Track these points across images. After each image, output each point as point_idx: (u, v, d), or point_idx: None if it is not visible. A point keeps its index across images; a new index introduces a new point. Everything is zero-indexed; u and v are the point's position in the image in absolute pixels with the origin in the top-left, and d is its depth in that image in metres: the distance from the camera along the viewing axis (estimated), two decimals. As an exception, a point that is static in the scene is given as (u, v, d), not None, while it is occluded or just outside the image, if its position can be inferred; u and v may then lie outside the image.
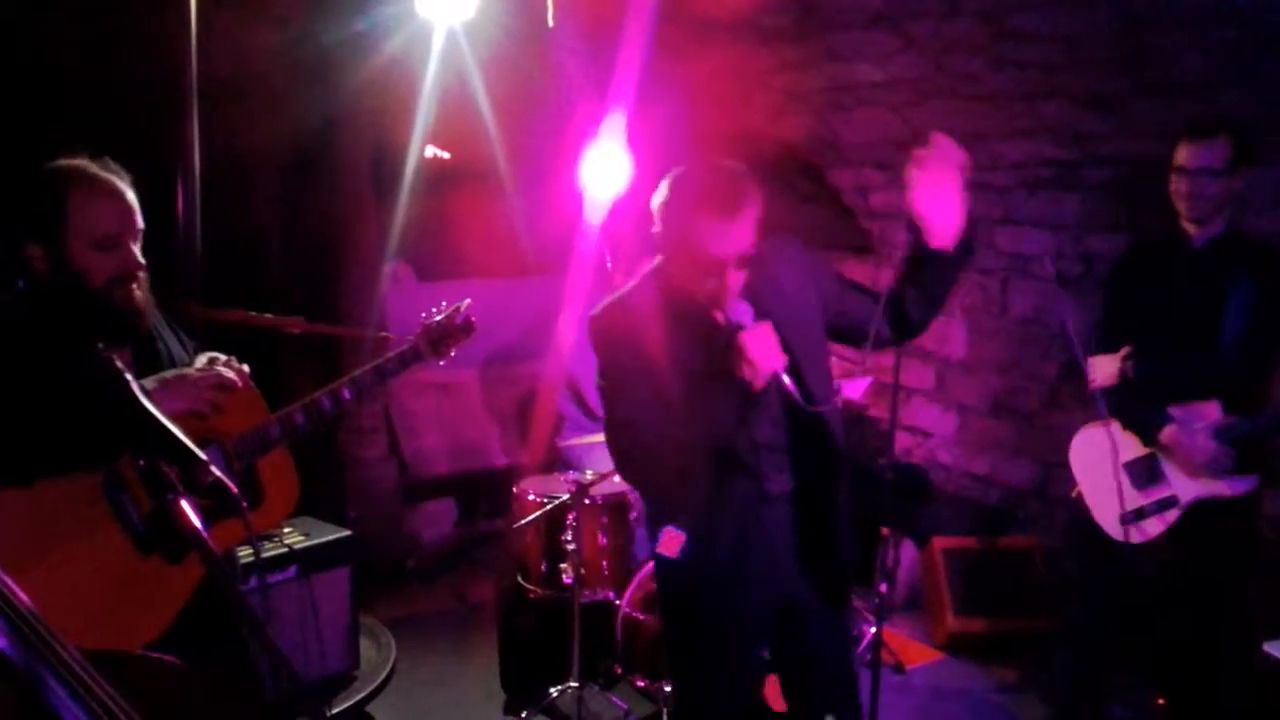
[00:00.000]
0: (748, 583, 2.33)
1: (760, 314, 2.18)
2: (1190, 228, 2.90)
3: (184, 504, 1.31)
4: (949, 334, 4.98)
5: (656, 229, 2.22)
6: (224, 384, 2.12)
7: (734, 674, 2.46)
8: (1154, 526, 2.90)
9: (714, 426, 2.21)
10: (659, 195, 2.20)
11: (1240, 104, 3.31)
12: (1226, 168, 2.78)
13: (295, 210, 4.65)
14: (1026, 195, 4.34)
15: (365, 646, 4.00)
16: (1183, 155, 2.84)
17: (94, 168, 2.04)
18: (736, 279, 2.15)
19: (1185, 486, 2.86)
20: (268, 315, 2.93)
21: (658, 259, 2.31)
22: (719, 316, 2.17)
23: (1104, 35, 3.35)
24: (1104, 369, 2.96)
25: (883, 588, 3.41)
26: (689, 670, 2.49)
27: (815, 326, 2.33)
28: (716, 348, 2.17)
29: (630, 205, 4.49)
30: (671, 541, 3.58)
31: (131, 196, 2.07)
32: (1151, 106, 3.55)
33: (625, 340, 2.25)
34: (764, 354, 2.12)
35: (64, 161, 2.06)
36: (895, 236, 3.87)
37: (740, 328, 2.14)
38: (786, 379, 2.13)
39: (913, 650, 4.25)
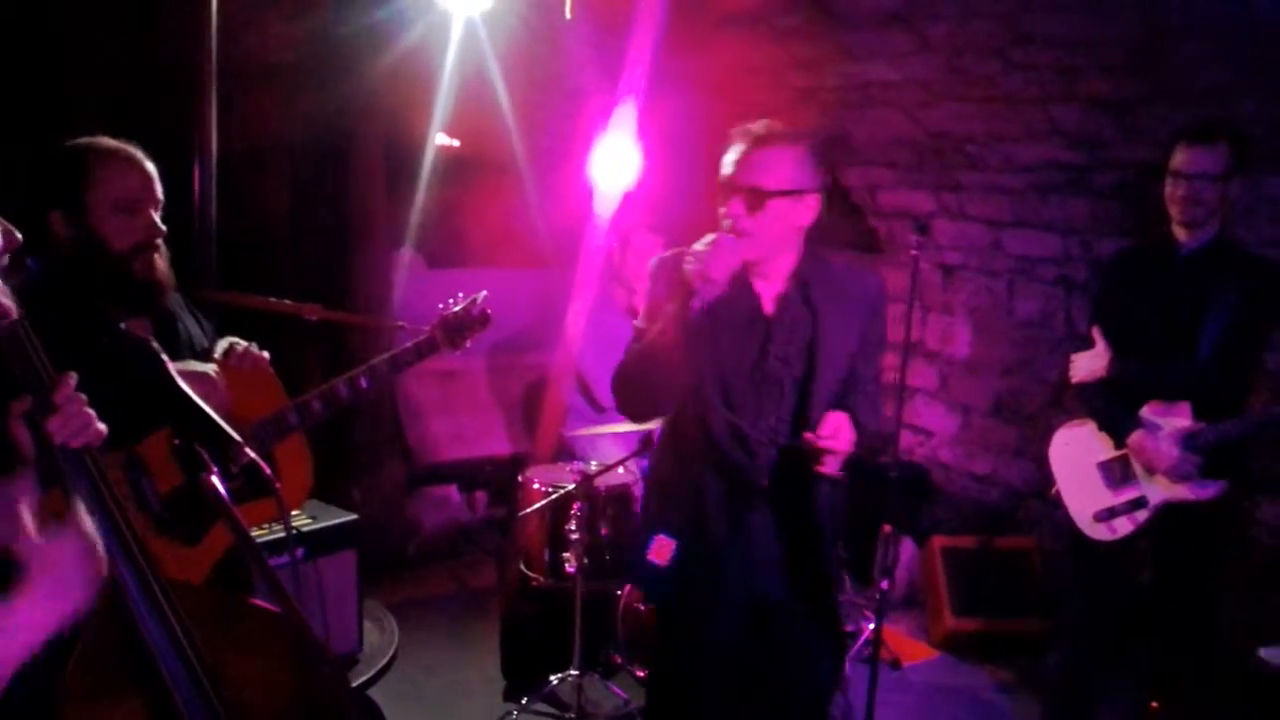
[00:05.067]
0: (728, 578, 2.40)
1: (807, 303, 2.25)
2: (1181, 233, 2.88)
3: (215, 480, 1.33)
4: (954, 334, 5.00)
5: None
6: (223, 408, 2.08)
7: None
8: (1124, 526, 2.93)
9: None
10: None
11: (1255, 115, 3.32)
12: (1224, 173, 2.76)
13: (310, 197, 4.66)
14: (1038, 199, 4.36)
15: (369, 629, 4.02)
16: (1180, 159, 2.80)
17: (111, 141, 2.10)
18: (736, 209, 2.18)
19: (1153, 489, 2.89)
20: (286, 301, 2.95)
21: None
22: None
23: (1124, 41, 3.36)
24: (1084, 366, 3.01)
25: (884, 584, 3.45)
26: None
27: (844, 354, 2.32)
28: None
29: (641, 197, 4.51)
30: (663, 549, 3.59)
31: (151, 166, 2.13)
32: (1164, 113, 3.56)
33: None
34: (713, 254, 2.10)
35: (83, 138, 2.11)
36: (903, 236, 3.89)
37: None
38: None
39: (910, 647, 4.29)
